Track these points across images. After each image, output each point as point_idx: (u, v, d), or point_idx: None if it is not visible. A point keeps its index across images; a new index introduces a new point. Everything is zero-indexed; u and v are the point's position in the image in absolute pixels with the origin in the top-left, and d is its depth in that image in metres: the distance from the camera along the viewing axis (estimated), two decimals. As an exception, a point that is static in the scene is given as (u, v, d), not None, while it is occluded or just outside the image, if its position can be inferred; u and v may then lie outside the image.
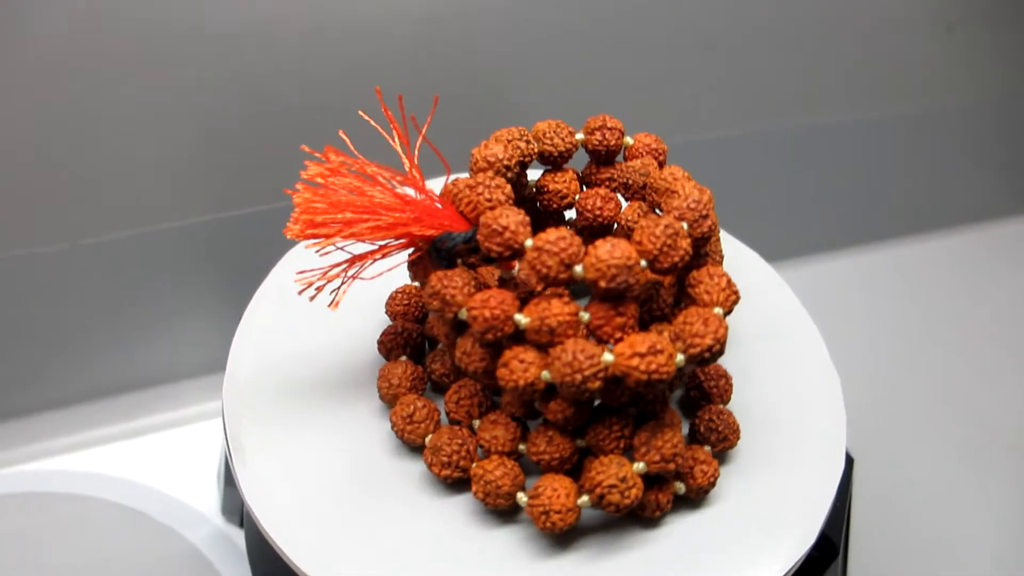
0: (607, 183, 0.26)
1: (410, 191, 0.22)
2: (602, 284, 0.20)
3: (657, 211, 0.25)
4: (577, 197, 0.26)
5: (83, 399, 0.40)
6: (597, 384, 0.20)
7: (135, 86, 0.34)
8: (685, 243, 0.21)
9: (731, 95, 0.45)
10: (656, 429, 0.21)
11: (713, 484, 0.23)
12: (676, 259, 0.21)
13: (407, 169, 0.22)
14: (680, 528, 0.23)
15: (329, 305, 0.22)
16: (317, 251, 0.21)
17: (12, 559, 0.33)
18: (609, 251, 0.20)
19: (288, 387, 0.25)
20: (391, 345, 0.25)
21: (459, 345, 0.22)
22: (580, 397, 0.20)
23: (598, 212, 0.25)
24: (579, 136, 0.26)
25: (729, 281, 0.22)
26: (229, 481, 0.34)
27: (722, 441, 0.24)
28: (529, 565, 0.22)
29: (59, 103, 0.33)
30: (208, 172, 0.37)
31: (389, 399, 0.24)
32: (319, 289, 0.22)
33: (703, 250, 0.23)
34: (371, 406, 0.25)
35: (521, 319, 0.20)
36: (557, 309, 0.20)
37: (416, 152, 0.23)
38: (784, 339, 0.28)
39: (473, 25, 0.38)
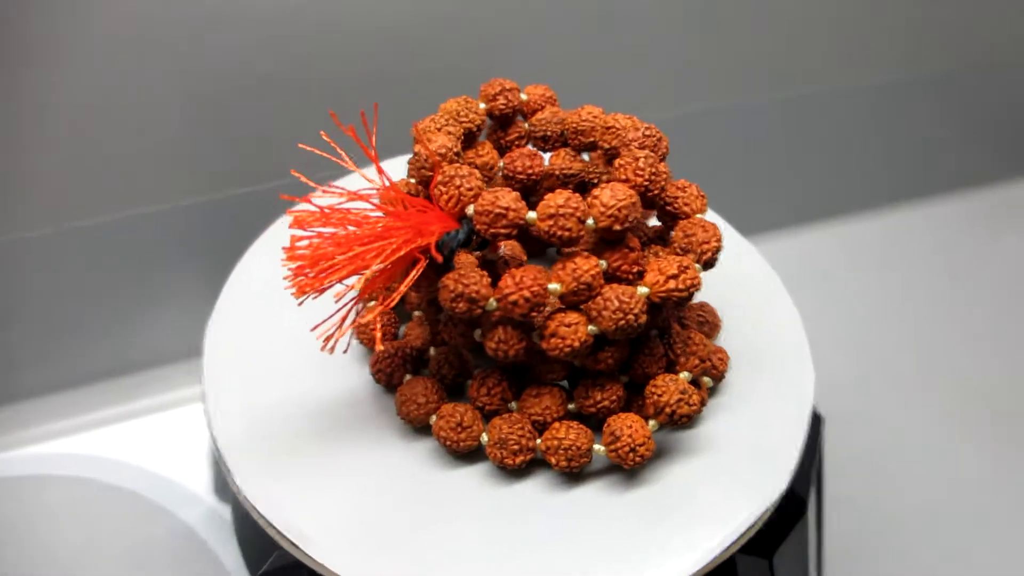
0: (517, 143, 0.27)
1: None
2: (617, 227, 0.21)
3: (585, 153, 0.26)
4: (501, 163, 0.26)
5: (75, 383, 0.40)
6: (644, 318, 0.21)
7: (118, 71, 0.34)
8: (663, 167, 0.23)
9: (704, 69, 0.45)
10: (684, 338, 0.23)
11: (728, 366, 0.25)
12: (661, 184, 0.23)
13: (382, 183, 0.22)
14: (638, 487, 0.23)
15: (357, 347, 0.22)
16: (337, 299, 0.20)
17: (8, 543, 0.34)
18: (612, 195, 0.21)
19: (288, 441, 0.24)
20: (391, 368, 0.24)
21: (490, 336, 0.22)
22: (631, 335, 0.21)
23: (529, 170, 0.26)
24: (481, 106, 0.26)
25: (697, 188, 0.24)
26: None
27: (713, 329, 0.26)
28: (625, 502, 0.23)
29: (42, 88, 0.33)
30: (194, 155, 0.37)
31: (421, 418, 0.23)
32: (340, 334, 0.21)
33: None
34: (380, 432, 0.24)
35: (555, 287, 0.21)
36: (586, 265, 0.21)
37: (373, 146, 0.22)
38: (753, 303, 0.28)
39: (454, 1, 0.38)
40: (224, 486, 0.35)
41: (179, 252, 0.40)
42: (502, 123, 0.27)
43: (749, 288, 0.29)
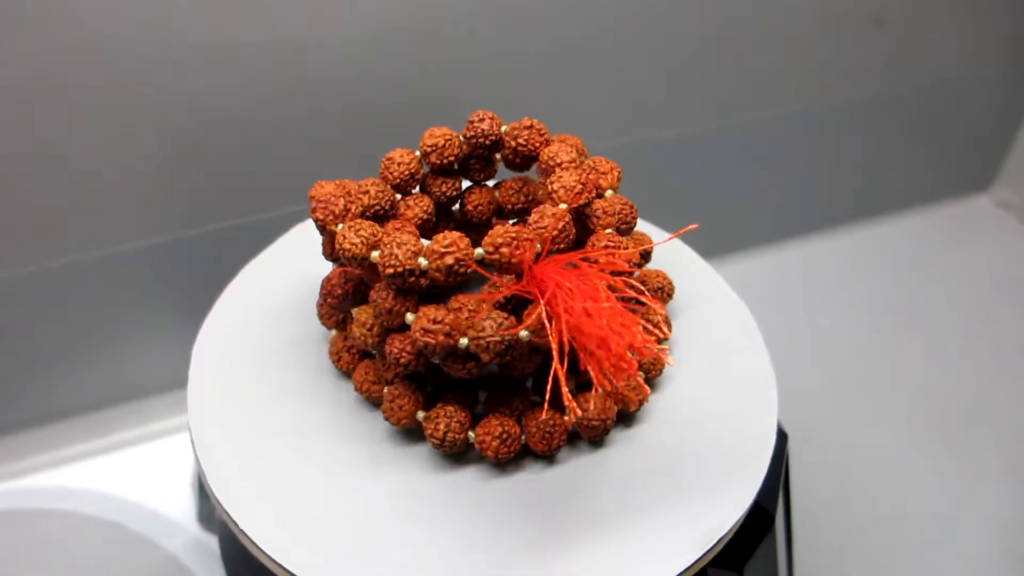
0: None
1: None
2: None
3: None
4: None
5: (56, 418, 0.41)
6: None
7: (96, 109, 0.34)
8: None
9: (664, 96, 0.45)
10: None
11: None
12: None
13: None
14: (609, 502, 0.24)
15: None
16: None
17: (-7, 578, 0.33)
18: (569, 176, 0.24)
19: (274, 466, 0.24)
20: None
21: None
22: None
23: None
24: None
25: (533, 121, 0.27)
26: (203, 491, 0.35)
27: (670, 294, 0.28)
28: (598, 517, 0.24)
29: (21, 127, 0.34)
30: (169, 192, 0.38)
31: (506, 452, 0.24)
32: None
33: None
34: (365, 452, 0.25)
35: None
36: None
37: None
38: (715, 324, 0.29)
39: (428, 38, 0.38)
40: (208, 515, 0.35)
41: (157, 287, 0.40)
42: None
43: (711, 309, 0.30)
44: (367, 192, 0.25)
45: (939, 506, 0.42)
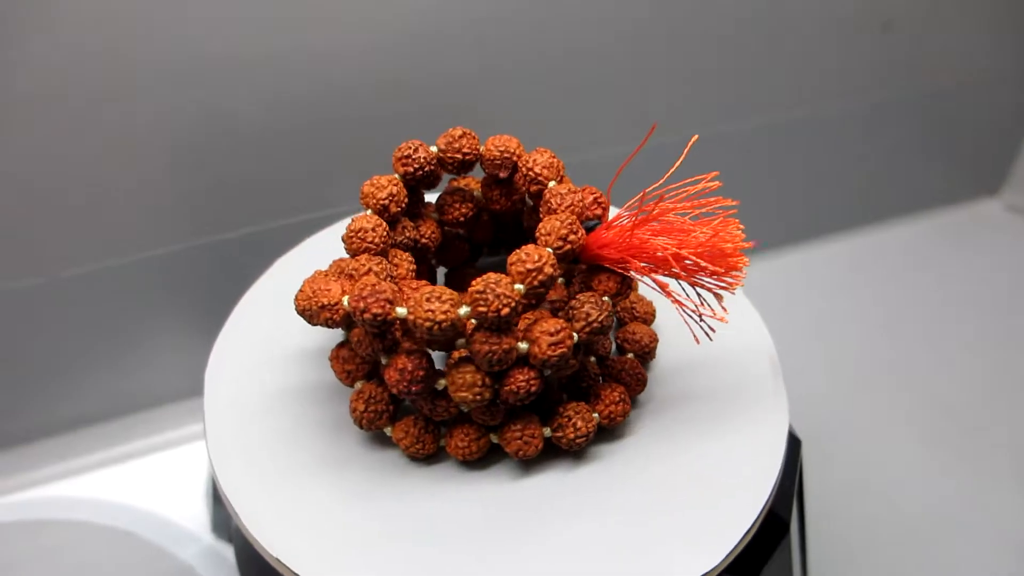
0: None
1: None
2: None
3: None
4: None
5: (70, 427, 0.41)
6: None
7: (105, 119, 0.35)
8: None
9: (678, 100, 0.45)
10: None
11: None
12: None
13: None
14: (620, 514, 0.24)
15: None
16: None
17: (9, 589, 0.33)
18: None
19: (289, 475, 0.24)
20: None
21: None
22: None
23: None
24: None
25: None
26: (218, 499, 0.35)
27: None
28: (608, 529, 0.23)
29: (33, 138, 0.34)
30: (181, 201, 0.38)
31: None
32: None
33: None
34: (384, 462, 0.25)
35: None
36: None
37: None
38: (726, 329, 0.29)
39: (433, 45, 0.38)
40: (222, 524, 0.35)
41: (170, 296, 0.40)
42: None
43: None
44: (370, 270, 0.24)
45: (953, 510, 0.42)
